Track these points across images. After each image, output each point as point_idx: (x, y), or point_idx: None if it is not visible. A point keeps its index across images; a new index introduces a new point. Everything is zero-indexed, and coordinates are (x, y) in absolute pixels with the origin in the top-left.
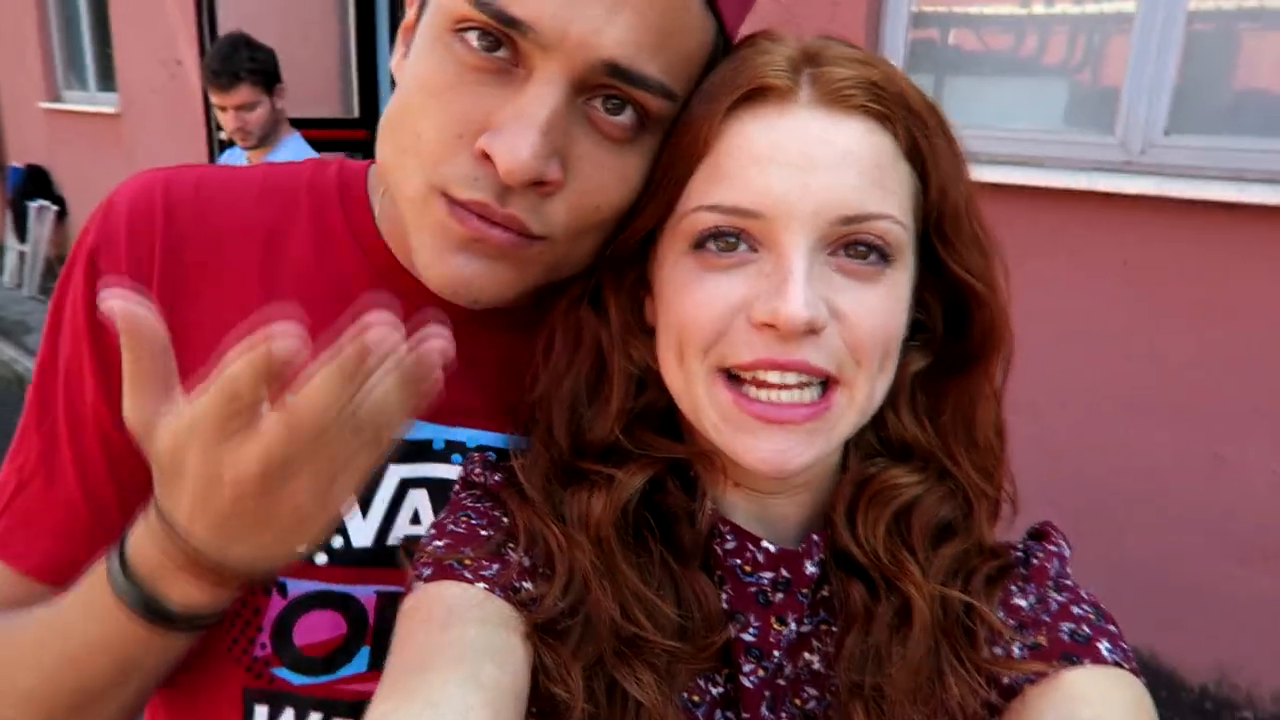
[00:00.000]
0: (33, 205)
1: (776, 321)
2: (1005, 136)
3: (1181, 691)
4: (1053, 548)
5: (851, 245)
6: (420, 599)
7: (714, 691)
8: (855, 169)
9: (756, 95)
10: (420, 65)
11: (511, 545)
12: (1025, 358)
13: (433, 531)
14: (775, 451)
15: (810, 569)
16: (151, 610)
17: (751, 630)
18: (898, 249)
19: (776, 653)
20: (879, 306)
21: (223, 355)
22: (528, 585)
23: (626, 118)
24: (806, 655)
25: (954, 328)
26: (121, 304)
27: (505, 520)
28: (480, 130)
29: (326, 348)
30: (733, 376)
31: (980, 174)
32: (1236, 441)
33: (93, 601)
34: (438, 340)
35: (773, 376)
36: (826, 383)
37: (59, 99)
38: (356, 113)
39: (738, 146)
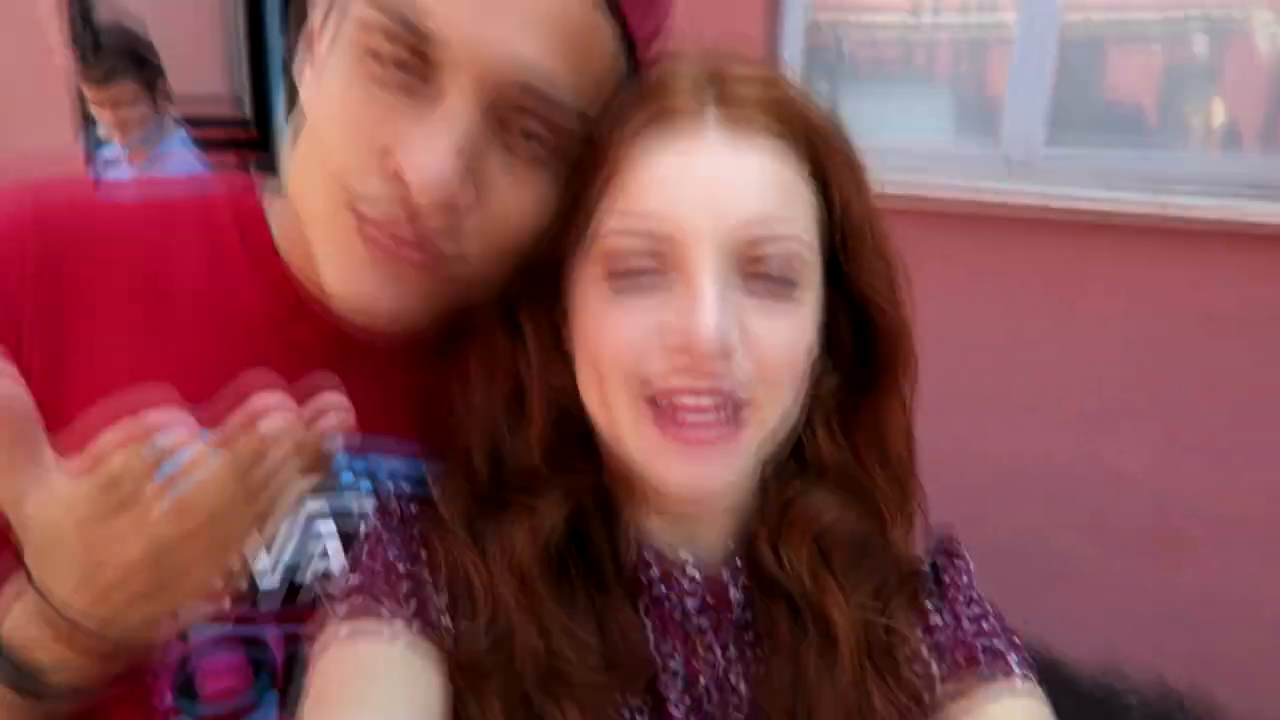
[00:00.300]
0: None
1: (691, 344)
2: (897, 147)
3: (1072, 681)
4: (960, 562)
5: (759, 266)
6: (336, 638)
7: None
8: (761, 191)
9: (663, 118)
10: (329, 81)
11: (430, 579)
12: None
13: (348, 564)
14: (693, 475)
15: (734, 594)
16: (26, 684)
17: (677, 658)
18: (804, 270)
19: (703, 679)
20: (788, 328)
21: (103, 409)
22: (447, 621)
23: (538, 138)
24: (732, 679)
25: (861, 345)
26: None
27: (423, 553)
28: (391, 148)
29: (222, 382)
30: (654, 403)
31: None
32: (1108, 438)
33: None
34: (335, 411)
35: (688, 400)
36: (738, 406)
37: None
38: (249, 113)
39: (646, 169)
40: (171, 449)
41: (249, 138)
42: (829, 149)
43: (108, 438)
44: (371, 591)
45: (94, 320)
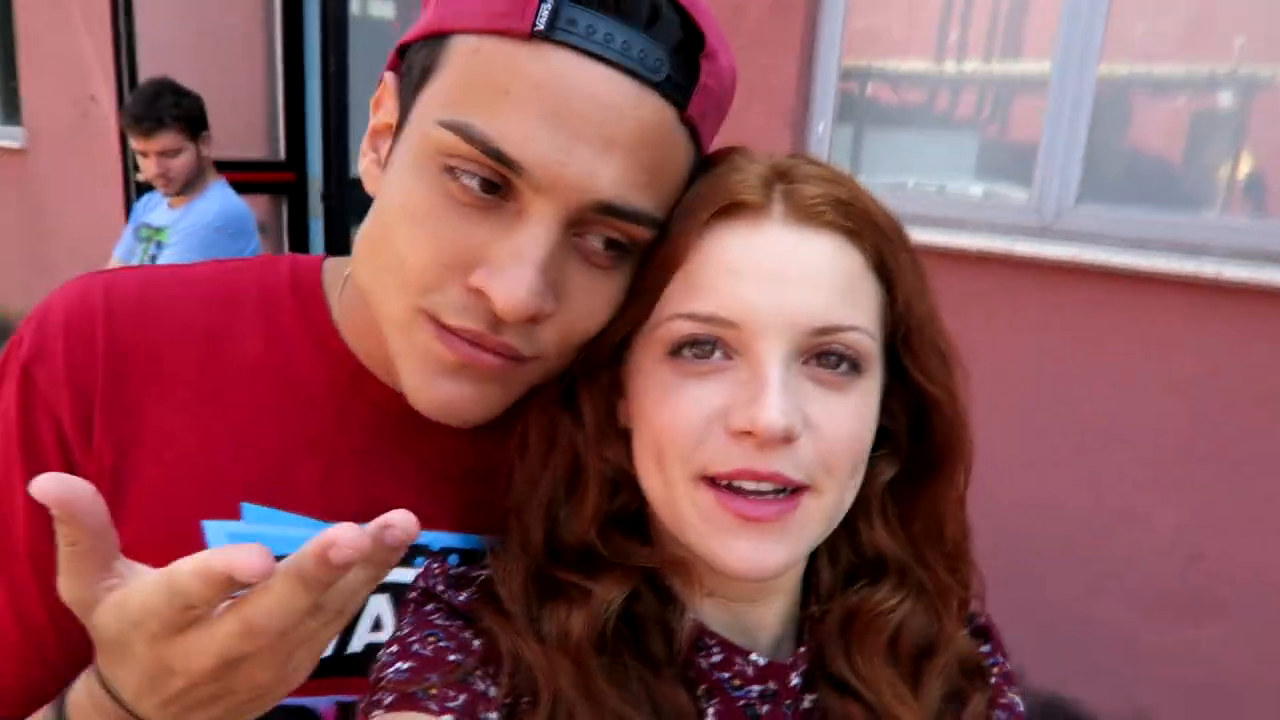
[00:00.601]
0: None
1: (755, 429)
2: (927, 197)
3: None
4: (1000, 657)
5: (823, 355)
6: None
7: None
8: (827, 282)
9: (732, 210)
10: (404, 188)
11: (479, 672)
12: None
13: (394, 650)
14: (751, 550)
15: (795, 680)
16: None
17: None
18: (867, 359)
19: None
20: (850, 416)
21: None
22: (492, 716)
23: (613, 248)
24: None
25: (917, 435)
26: (55, 486)
27: (476, 643)
28: (472, 264)
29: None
30: (714, 483)
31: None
32: (1142, 496)
33: None
34: (402, 526)
35: (748, 485)
36: (798, 490)
37: None
38: (283, 155)
39: (714, 258)
40: (251, 583)
41: (285, 180)
42: (891, 246)
43: (184, 565)
44: (420, 684)
45: (159, 398)
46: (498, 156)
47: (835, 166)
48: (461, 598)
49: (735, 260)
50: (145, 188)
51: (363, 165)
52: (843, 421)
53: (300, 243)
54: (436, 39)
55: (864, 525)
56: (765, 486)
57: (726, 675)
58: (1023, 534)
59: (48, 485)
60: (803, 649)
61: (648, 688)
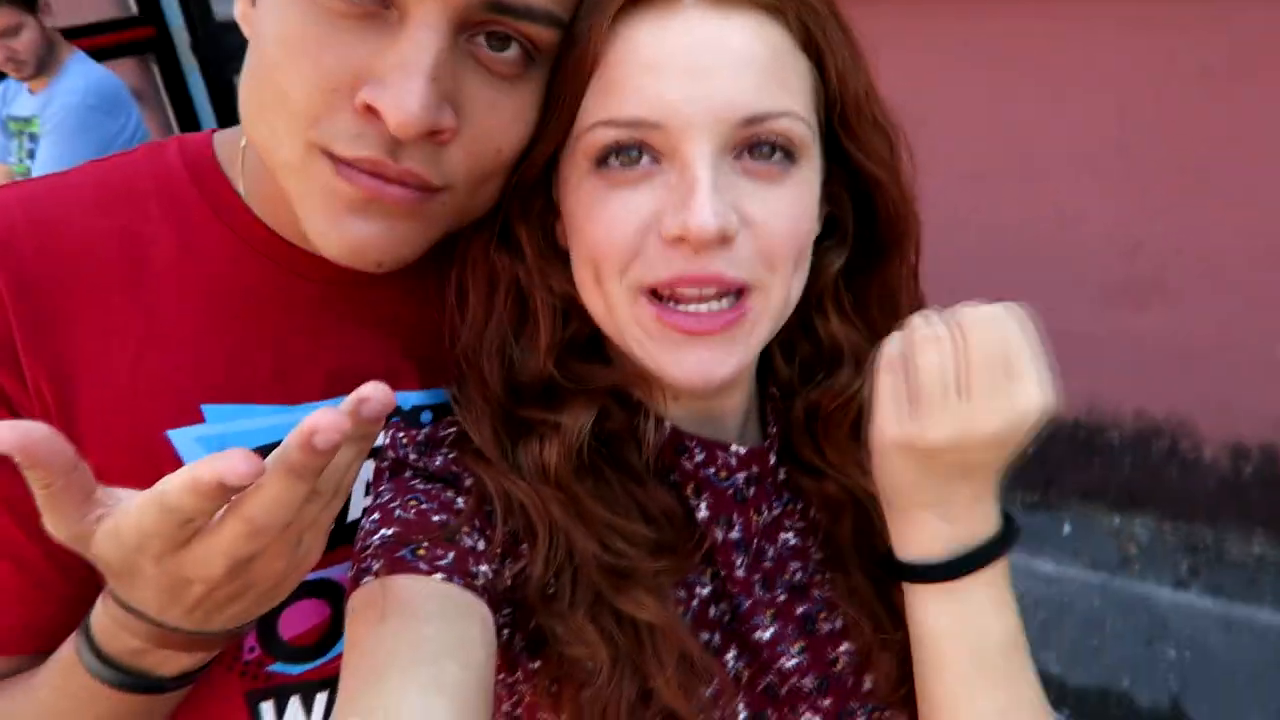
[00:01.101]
0: None
1: (687, 234)
2: None
3: (1058, 426)
4: None
5: (755, 147)
6: (371, 595)
7: (701, 592)
8: (751, 68)
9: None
10: (278, 16)
11: (465, 529)
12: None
13: (376, 517)
14: (699, 363)
15: (772, 459)
16: (140, 685)
17: (737, 529)
18: (802, 146)
19: (755, 540)
20: (788, 208)
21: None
22: (484, 569)
23: (514, 52)
24: (782, 535)
25: (864, 218)
26: (11, 435)
27: (459, 501)
28: (358, 83)
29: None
30: (654, 294)
31: None
32: (1077, 196)
33: (73, 689)
34: (377, 399)
35: (689, 291)
36: (741, 291)
37: None
38: (134, 8)
39: (627, 56)
40: (241, 485)
41: (145, 36)
42: (818, 19)
43: (172, 482)
44: (407, 544)
45: (84, 321)
46: None
47: None
48: (438, 462)
49: (650, 55)
50: (1, 75)
51: (238, 10)
52: (781, 213)
53: (184, 105)
54: None
55: (818, 318)
56: (709, 292)
57: (712, 470)
58: (973, 253)
59: (4, 435)
60: (774, 429)
61: (633, 496)
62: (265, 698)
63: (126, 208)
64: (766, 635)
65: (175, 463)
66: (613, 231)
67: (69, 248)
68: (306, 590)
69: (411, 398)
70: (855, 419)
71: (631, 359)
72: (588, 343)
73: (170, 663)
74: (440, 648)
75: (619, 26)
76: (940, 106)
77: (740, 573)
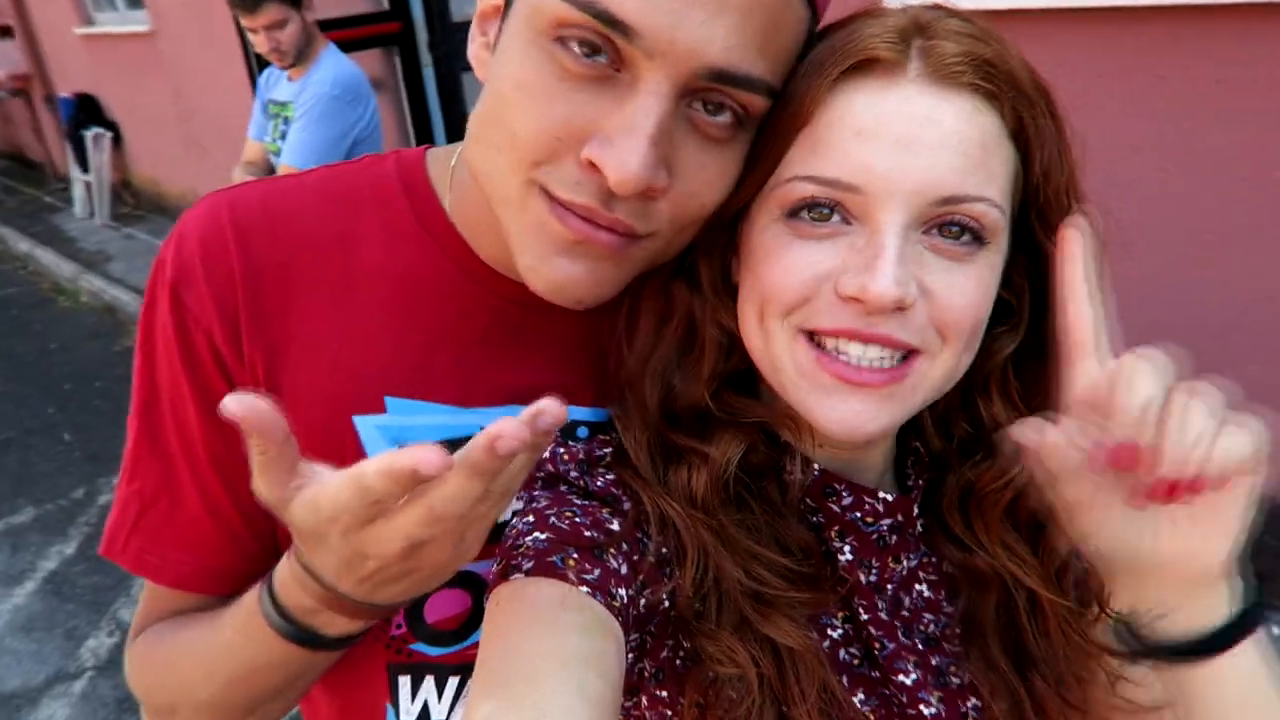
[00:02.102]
0: (88, 134)
1: (865, 297)
2: None
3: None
4: None
5: (946, 225)
6: (520, 592)
7: (833, 634)
8: (958, 149)
9: (864, 67)
10: (514, 65)
11: (613, 550)
12: (1117, 192)
13: (531, 520)
14: (851, 413)
15: (915, 510)
16: (308, 640)
17: (874, 573)
18: (992, 231)
19: (890, 586)
20: (969, 287)
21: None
22: (622, 592)
23: (727, 118)
24: (917, 586)
25: (1042, 308)
26: (241, 407)
27: (614, 523)
28: (583, 137)
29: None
30: (813, 338)
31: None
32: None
33: (251, 633)
34: (552, 413)
35: (853, 348)
36: (909, 354)
37: (91, 22)
38: (386, 4)
39: (840, 118)
40: (433, 477)
41: (391, 31)
42: (1033, 110)
43: (370, 465)
44: (560, 552)
45: (299, 304)
46: (606, 19)
47: (981, 21)
48: (599, 483)
49: (863, 122)
50: (265, 62)
51: (472, 50)
52: (961, 291)
53: (418, 97)
54: None
55: (981, 399)
56: (872, 353)
57: (859, 515)
58: (1217, 319)
59: (233, 406)
60: (920, 481)
61: (774, 529)
62: (404, 672)
63: (345, 211)
64: (909, 680)
65: (356, 445)
66: (789, 274)
67: (294, 241)
68: (453, 581)
69: (577, 412)
70: (1010, 502)
71: (782, 400)
72: (743, 378)
73: (334, 625)
74: (585, 657)
75: (836, 89)
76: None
77: (884, 616)
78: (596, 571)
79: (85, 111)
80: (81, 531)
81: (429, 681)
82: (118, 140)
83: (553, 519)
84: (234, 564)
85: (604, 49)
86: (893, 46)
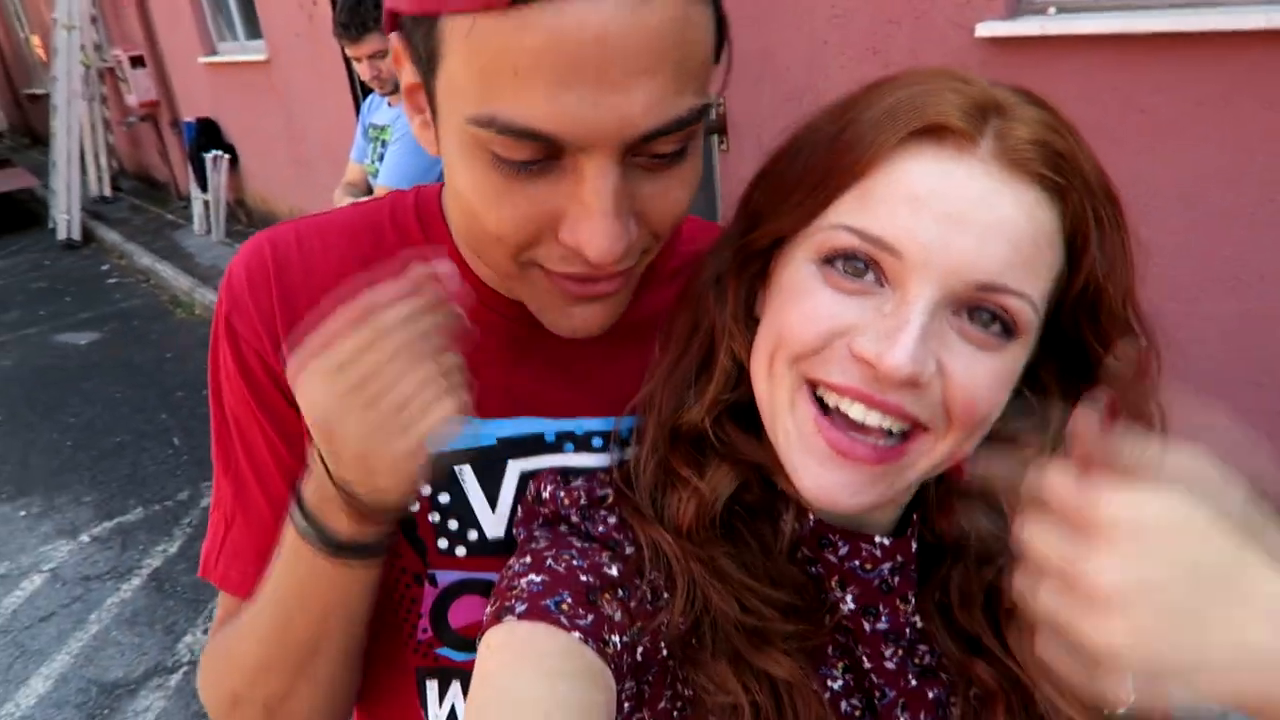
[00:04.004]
0: (208, 156)
1: (879, 365)
2: None
3: None
4: None
5: (977, 311)
6: (511, 636)
7: (834, 685)
8: (1009, 239)
9: (934, 132)
10: (467, 174)
11: (608, 596)
12: (1221, 228)
13: (528, 560)
14: (835, 485)
15: (913, 546)
16: (325, 540)
17: (884, 619)
18: (1023, 327)
19: (907, 629)
20: (988, 376)
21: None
22: (616, 639)
23: (674, 148)
24: (917, 621)
25: (1072, 392)
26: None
27: (613, 569)
28: (555, 223)
29: None
30: (816, 394)
31: (1145, 24)
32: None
33: (285, 553)
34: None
35: (856, 410)
36: (910, 430)
37: (215, 52)
38: None
39: (899, 179)
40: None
41: None
42: (1096, 216)
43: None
44: (553, 596)
45: None
46: (532, 135)
47: (1060, 114)
48: (600, 529)
49: (920, 189)
50: (367, 89)
51: (414, 126)
52: (980, 379)
53: None
54: (429, 20)
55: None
56: (873, 418)
57: (857, 563)
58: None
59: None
60: (915, 516)
61: (765, 565)
62: (432, 676)
63: (370, 240)
64: None
65: None
66: (808, 320)
67: (326, 272)
68: (474, 588)
69: (586, 423)
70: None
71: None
72: (749, 412)
73: (339, 522)
74: (572, 705)
75: (901, 148)
76: None
77: (891, 665)
78: (590, 617)
79: (206, 135)
80: (184, 532)
81: (455, 687)
82: (234, 161)
83: (549, 561)
84: None
85: (540, 159)
86: (969, 120)
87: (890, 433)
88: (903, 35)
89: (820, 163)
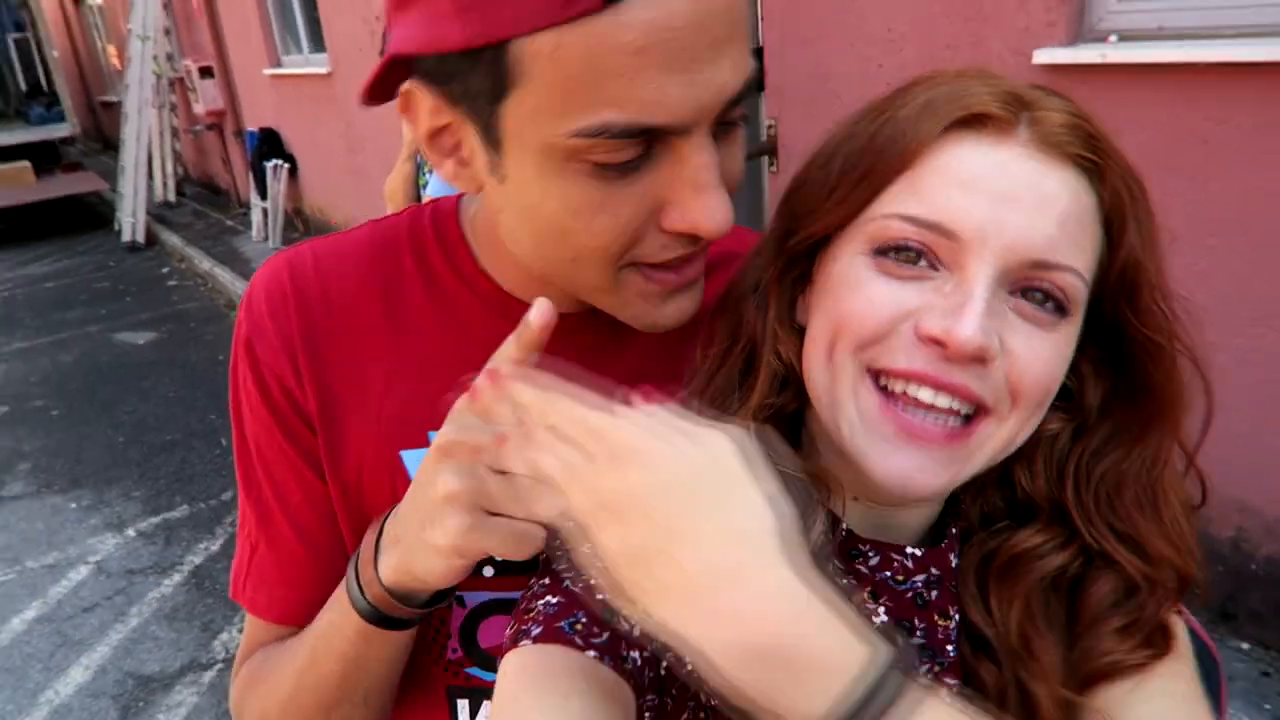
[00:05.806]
0: (269, 165)
1: (949, 340)
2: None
3: None
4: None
5: (1031, 290)
6: (527, 659)
7: None
8: (1056, 218)
9: (974, 122)
10: (558, 195)
11: None
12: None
13: (546, 582)
14: (909, 467)
15: (953, 559)
16: (385, 622)
17: (920, 633)
18: (1075, 304)
19: (950, 647)
20: (1050, 353)
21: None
22: (635, 655)
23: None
24: (954, 639)
25: (1123, 394)
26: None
27: None
28: (658, 211)
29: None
30: (879, 381)
31: (1210, 53)
32: None
33: (337, 618)
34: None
35: (924, 394)
36: (976, 412)
37: (280, 65)
38: None
39: (946, 165)
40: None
41: None
42: (1131, 196)
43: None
44: (568, 618)
45: (349, 350)
46: (643, 132)
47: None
48: None
49: (970, 173)
50: None
51: (444, 170)
52: (1041, 355)
53: None
54: (491, 49)
55: (1023, 476)
56: (942, 401)
57: (889, 574)
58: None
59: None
60: (954, 530)
61: None
62: (462, 695)
63: (389, 262)
64: None
65: (405, 477)
66: (871, 306)
67: (344, 294)
68: (502, 608)
69: None
70: (1033, 586)
71: (829, 453)
72: (790, 420)
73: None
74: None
75: (944, 138)
76: None
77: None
78: (605, 635)
79: (268, 144)
80: (226, 531)
81: (486, 706)
82: (294, 171)
83: (567, 582)
84: (326, 593)
85: (640, 157)
86: (1006, 108)
87: (957, 414)
88: (958, 60)
89: (861, 160)
